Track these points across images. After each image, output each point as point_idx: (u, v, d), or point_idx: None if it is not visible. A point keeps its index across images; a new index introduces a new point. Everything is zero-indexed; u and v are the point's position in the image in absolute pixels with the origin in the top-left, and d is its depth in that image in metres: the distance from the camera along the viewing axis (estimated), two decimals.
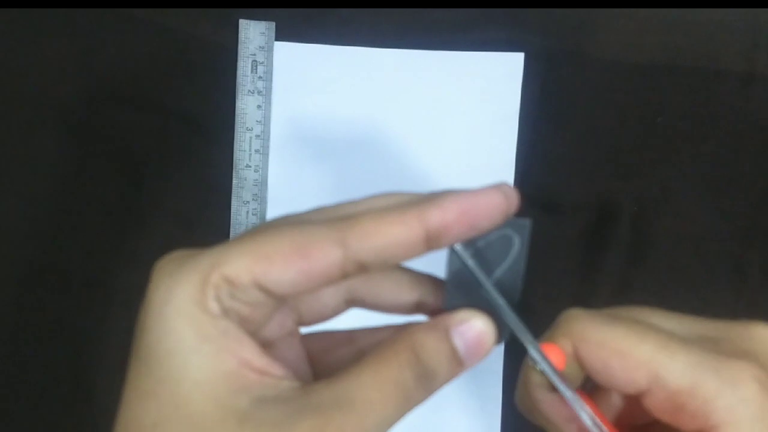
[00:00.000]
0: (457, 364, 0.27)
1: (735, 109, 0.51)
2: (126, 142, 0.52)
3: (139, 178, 0.52)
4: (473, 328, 0.27)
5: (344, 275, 0.26)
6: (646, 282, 0.51)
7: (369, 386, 0.26)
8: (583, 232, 0.52)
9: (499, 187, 0.26)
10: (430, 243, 0.26)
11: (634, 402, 0.29)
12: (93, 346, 0.52)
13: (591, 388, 0.30)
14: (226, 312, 0.25)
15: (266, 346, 0.28)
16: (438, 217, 0.25)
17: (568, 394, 0.27)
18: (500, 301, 0.28)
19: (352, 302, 0.31)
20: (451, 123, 0.52)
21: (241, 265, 0.25)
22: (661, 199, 0.51)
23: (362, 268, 0.26)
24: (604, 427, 0.27)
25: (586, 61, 0.52)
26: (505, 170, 0.52)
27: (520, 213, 0.50)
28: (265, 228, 0.26)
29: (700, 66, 0.51)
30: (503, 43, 0.52)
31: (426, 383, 0.27)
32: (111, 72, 0.52)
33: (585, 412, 0.27)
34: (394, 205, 0.26)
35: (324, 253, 0.25)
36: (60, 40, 0.52)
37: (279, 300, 0.26)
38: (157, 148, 0.52)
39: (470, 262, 0.27)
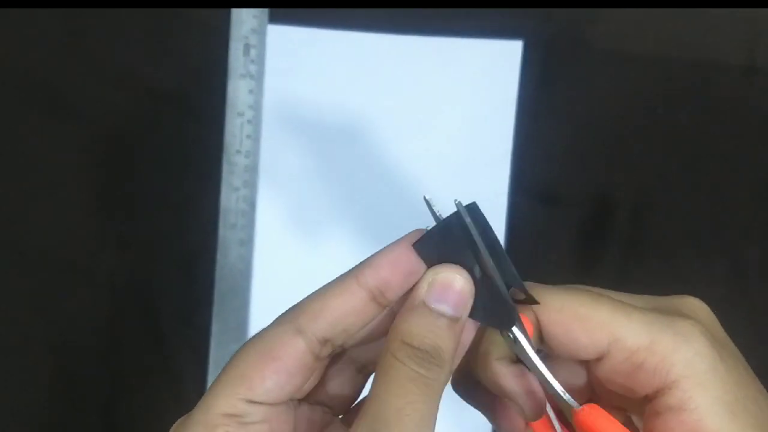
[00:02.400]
0: (453, 322, 0.27)
1: (735, 102, 0.51)
2: (115, 125, 0.51)
3: (129, 163, 0.51)
4: (443, 283, 0.27)
5: (319, 357, 0.28)
6: (644, 274, 0.50)
7: (389, 399, 0.26)
8: (581, 225, 0.51)
9: (410, 234, 0.28)
10: (379, 301, 0.27)
11: (582, 377, 0.31)
12: (75, 327, 0.50)
13: None
14: None
15: None
16: (373, 275, 0.27)
17: (538, 362, 0.28)
18: (490, 262, 0.27)
19: (364, 369, 0.31)
20: (447, 111, 0.51)
21: (230, 398, 0.27)
22: (660, 192, 0.51)
23: (331, 345, 0.28)
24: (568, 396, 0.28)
25: (586, 51, 0.51)
26: (502, 160, 0.51)
27: (518, 204, 0.50)
28: (235, 354, 0.28)
29: (700, 58, 0.51)
30: (501, 31, 0.51)
31: (435, 360, 0.26)
32: (101, 54, 0.51)
33: (555, 379, 0.28)
34: (334, 279, 0.28)
35: (288, 347, 0.27)
36: (49, 21, 0.51)
37: (280, 405, 0.28)
38: (146, 133, 0.51)
39: (468, 220, 0.27)
